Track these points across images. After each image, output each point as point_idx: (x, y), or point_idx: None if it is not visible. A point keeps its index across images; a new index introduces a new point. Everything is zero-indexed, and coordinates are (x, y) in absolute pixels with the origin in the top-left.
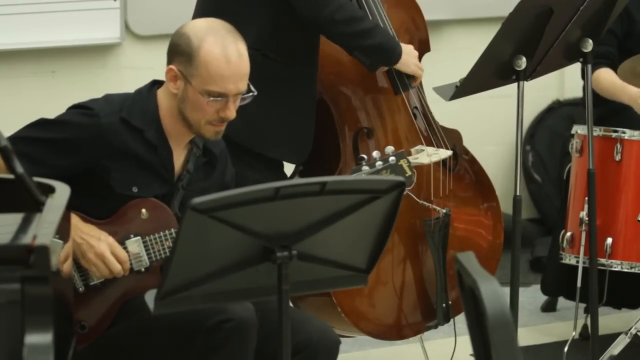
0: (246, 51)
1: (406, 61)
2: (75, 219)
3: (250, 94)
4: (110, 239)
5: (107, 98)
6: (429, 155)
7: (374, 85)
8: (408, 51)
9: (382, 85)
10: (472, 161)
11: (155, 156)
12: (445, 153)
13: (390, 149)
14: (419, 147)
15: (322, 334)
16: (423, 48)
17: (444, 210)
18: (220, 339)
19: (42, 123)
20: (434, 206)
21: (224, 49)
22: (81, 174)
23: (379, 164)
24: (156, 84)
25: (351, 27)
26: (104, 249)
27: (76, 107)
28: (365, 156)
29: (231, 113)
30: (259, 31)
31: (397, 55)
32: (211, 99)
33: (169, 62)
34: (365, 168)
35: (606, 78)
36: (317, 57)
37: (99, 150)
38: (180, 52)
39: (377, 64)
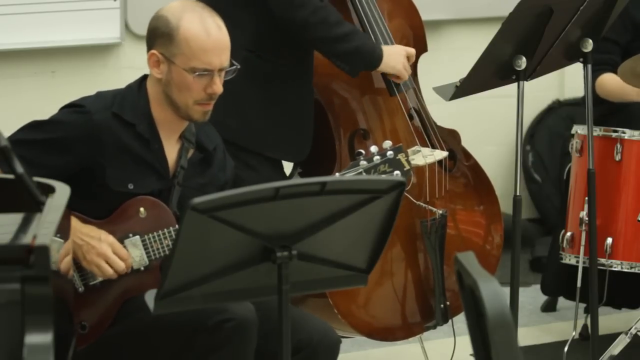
0: (224, 25)
1: (388, 62)
2: (73, 220)
3: (234, 67)
4: (111, 238)
5: (98, 95)
6: (424, 156)
7: (370, 86)
8: (393, 52)
9: (377, 86)
10: (471, 161)
11: (148, 150)
12: (440, 154)
13: (388, 143)
14: (415, 148)
15: (323, 334)
16: (420, 48)
17: (441, 212)
18: (221, 338)
19: (34, 125)
20: (430, 207)
21: (203, 23)
22: (77, 173)
23: (376, 158)
24: (146, 77)
25: (326, 31)
26: (106, 249)
27: (68, 107)
28: (362, 151)
29: (218, 88)
30: (253, 32)
31: (376, 58)
32: (197, 74)
33: (150, 48)
34: (363, 163)
35: (611, 81)
36: (312, 57)
37: (93, 148)
38: (159, 34)
39: (356, 69)
